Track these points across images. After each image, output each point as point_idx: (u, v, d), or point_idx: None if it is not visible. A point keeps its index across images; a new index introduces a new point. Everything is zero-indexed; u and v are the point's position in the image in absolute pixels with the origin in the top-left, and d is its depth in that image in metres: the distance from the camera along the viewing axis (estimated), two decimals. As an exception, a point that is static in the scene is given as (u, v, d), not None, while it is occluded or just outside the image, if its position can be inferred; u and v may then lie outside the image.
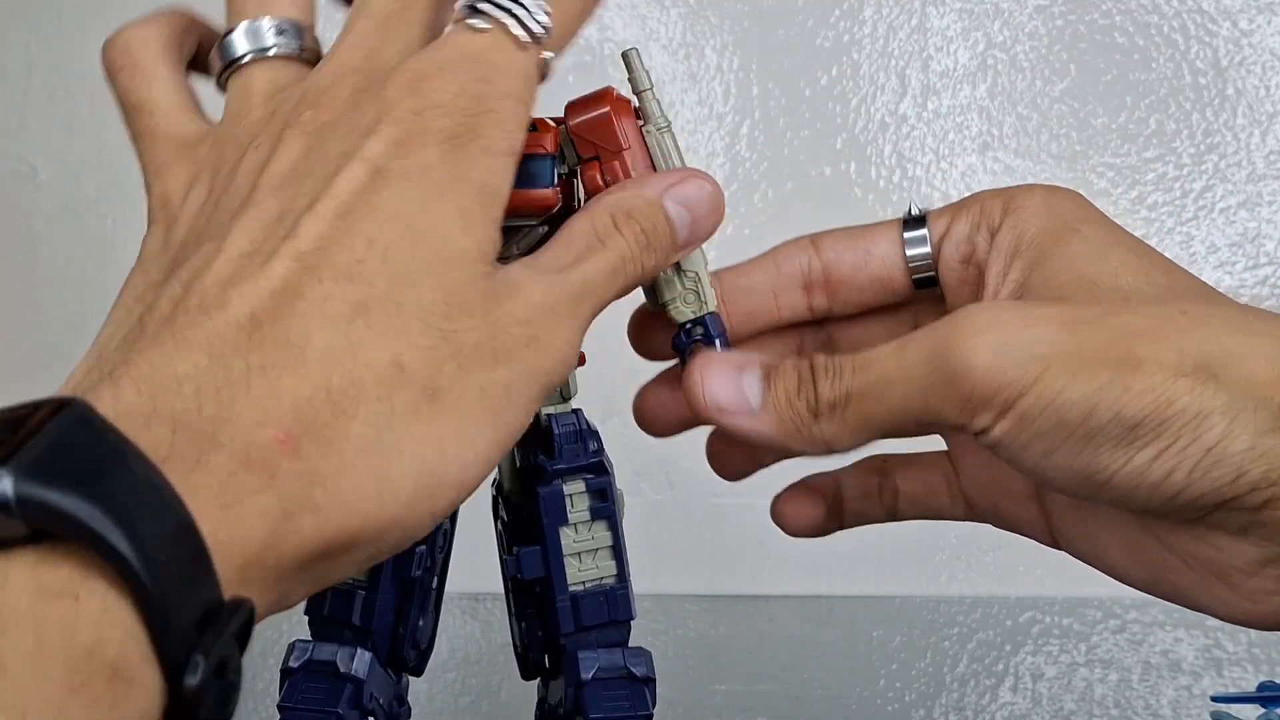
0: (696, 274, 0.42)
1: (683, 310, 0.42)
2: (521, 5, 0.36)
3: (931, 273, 0.44)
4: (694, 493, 0.77)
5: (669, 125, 0.41)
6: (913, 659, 0.64)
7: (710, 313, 0.42)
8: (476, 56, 0.36)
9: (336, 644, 0.41)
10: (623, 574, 0.43)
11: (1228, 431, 0.36)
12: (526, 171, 0.39)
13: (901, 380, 0.38)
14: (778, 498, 0.46)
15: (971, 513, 0.46)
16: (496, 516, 0.45)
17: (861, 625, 0.72)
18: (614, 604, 0.43)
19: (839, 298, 0.45)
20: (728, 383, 0.40)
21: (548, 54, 0.37)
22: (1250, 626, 0.39)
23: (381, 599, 0.41)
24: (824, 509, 0.46)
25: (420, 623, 0.43)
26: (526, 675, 0.45)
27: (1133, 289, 0.40)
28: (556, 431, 0.42)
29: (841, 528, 0.47)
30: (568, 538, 0.42)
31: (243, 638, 0.28)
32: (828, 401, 0.39)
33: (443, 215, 0.33)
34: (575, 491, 0.42)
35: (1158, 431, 0.36)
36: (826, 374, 0.39)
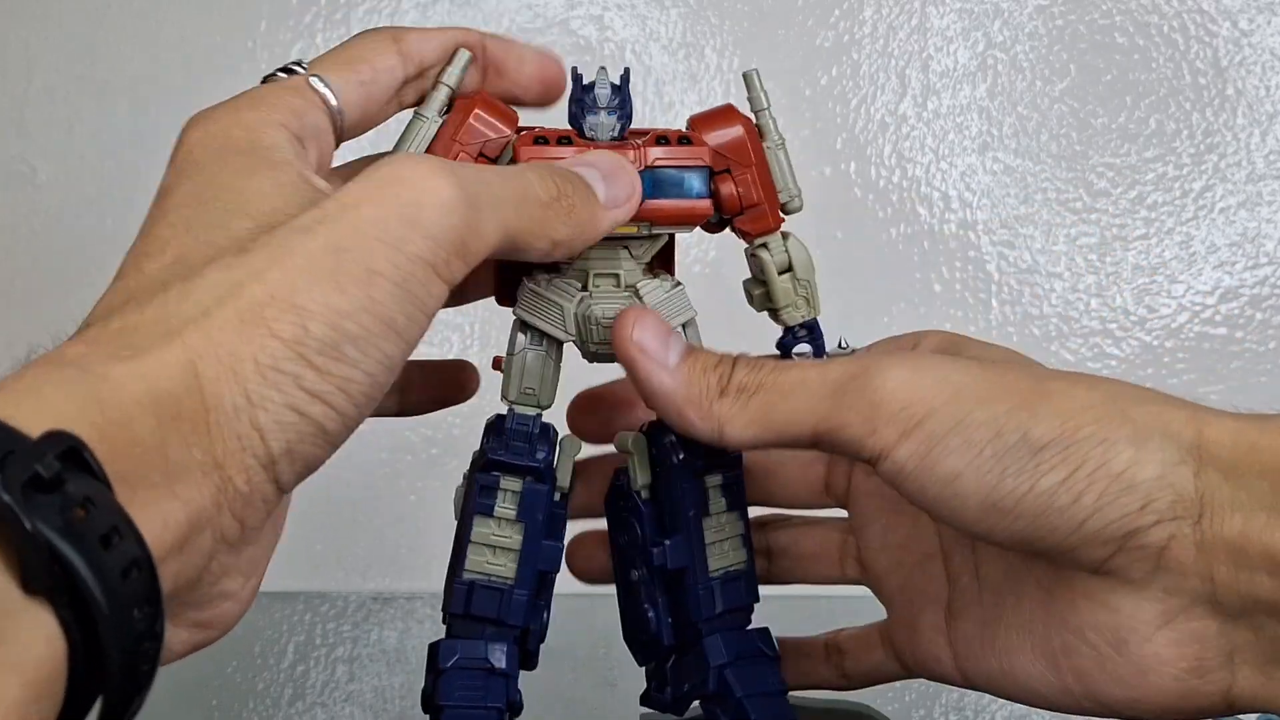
0: (809, 282, 0.45)
1: (794, 315, 0.45)
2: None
3: None
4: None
5: (783, 142, 0.45)
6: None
7: (815, 318, 0.45)
8: None
9: (481, 640, 0.43)
10: (751, 560, 0.45)
11: (1136, 459, 0.36)
12: (683, 182, 0.42)
13: (815, 384, 0.39)
14: (574, 540, 0.48)
15: (900, 664, 0.46)
16: (614, 513, 0.46)
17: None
18: (747, 588, 0.45)
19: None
20: (656, 336, 0.41)
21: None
22: (1142, 714, 0.38)
23: (523, 595, 0.43)
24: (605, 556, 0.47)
25: (545, 617, 0.45)
26: (645, 660, 0.47)
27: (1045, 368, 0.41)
28: None
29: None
30: (709, 528, 0.44)
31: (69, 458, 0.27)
32: (738, 384, 0.40)
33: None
34: (714, 485, 0.44)
35: (1065, 455, 0.36)
36: (747, 365, 0.40)
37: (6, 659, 0.25)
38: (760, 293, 0.45)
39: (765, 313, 0.46)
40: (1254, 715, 0.54)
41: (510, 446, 0.43)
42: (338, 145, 0.41)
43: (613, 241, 0.42)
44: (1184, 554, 0.36)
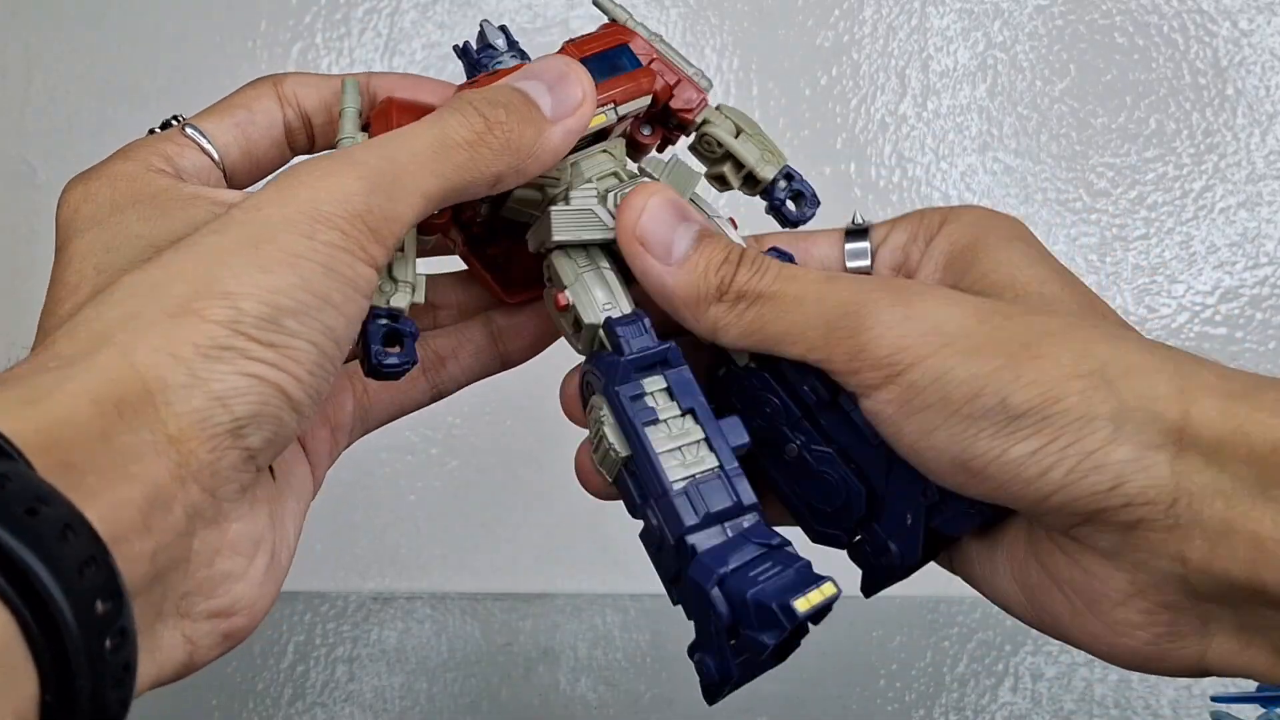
0: (762, 136, 0.45)
1: (767, 169, 0.44)
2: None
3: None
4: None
5: (660, 35, 0.44)
6: (913, 659, 0.64)
7: (787, 165, 0.45)
8: None
9: (739, 538, 0.38)
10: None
11: (1112, 438, 0.35)
12: (617, 58, 0.42)
13: (812, 305, 0.38)
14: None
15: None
16: (732, 405, 0.43)
17: (861, 625, 0.72)
18: None
19: None
20: (663, 224, 0.40)
21: None
22: (1115, 663, 0.38)
23: (738, 472, 0.39)
24: None
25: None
26: (839, 539, 0.43)
27: (1055, 298, 0.40)
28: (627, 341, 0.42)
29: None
30: None
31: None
32: (738, 289, 0.39)
33: None
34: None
35: (1039, 426, 0.35)
36: (752, 266, 0.39)
37: None
38: (728, 166, 0.45)
39: (742, 188, 0.45)
40: (1255, 710, 0.54)
41: (632, 344, 0.40)
42: (228, 182, 0.42)
43: (593, 143, 0.42)
44: (1154, 536, 0.35)
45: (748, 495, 0.39)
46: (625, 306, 0.41)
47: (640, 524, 0.41)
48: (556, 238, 0.42)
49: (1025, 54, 0.83)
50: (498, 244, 0.45)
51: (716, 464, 0.39)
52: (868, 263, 0.44)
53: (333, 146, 0.42)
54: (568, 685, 0.60)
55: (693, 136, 0.45)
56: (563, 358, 0.45)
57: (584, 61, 0.41)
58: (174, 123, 0.42)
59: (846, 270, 0.44)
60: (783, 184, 0.45)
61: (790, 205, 0.46)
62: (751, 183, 0.45)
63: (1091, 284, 0.83)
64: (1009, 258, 0.41)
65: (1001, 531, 0.41)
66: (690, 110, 0.44)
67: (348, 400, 0.43)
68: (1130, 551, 0.36)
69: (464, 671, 0.69)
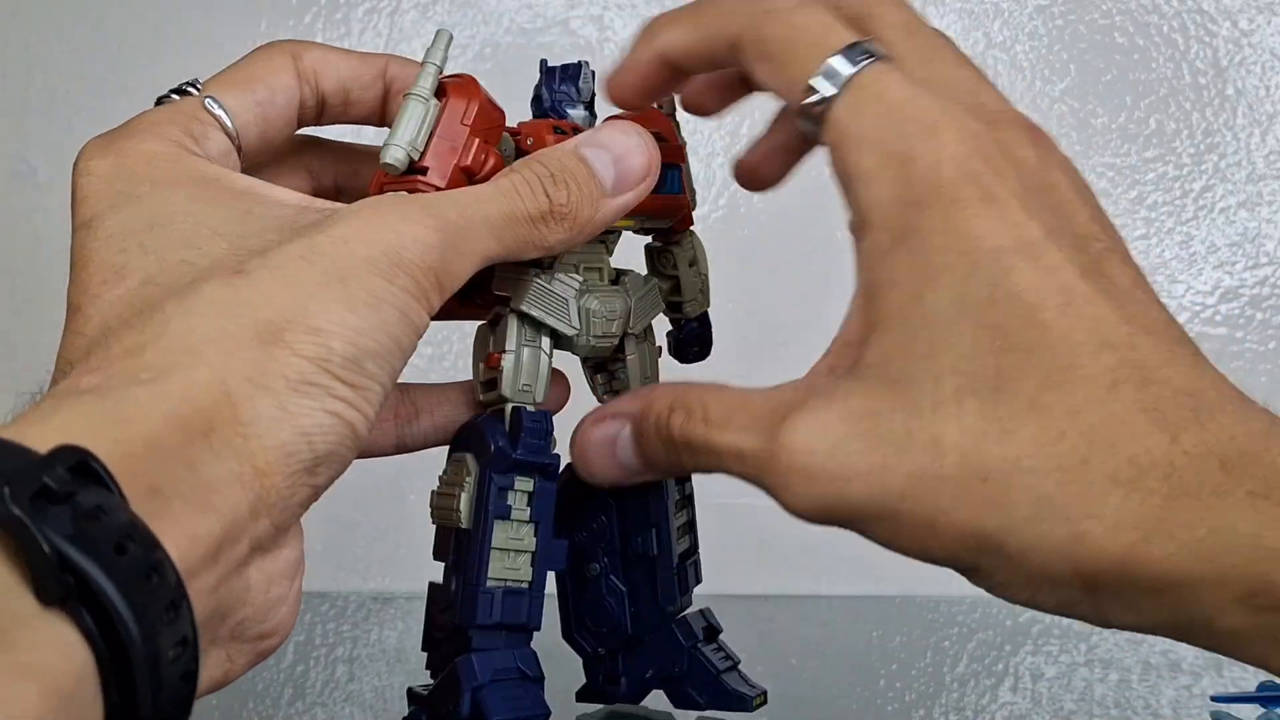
0: (705, 275, 0.46)
1: (695, 308, 0.47)
2: None
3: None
4: (694, 493, 0.77)
5: (685, 145, 0.46)
6: (913, 659, 0.64)
7: (706, 310, 0.47)
8: None
9: (507, 650, 0.42)
10: (696, 545, 0.48)
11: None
12: (667, 177, 0.43)
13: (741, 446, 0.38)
14: None
15: None
16: (572, 509, 0.46)
17: (861, 625, 0.72)
18: (697, 572, 0.48)
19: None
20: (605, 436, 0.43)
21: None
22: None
23: (538, 596, 0.43)
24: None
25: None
26: (593, 654, 0.47)
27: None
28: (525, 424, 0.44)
29: None
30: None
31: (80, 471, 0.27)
32: (680, 403, 0.39)
33: None
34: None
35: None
36: (680, 413, 0.40)
37: (22, 668, 0.24)
38: (668, 287, 0.46)
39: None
40: (1255, 710, 0.54)
41: (528, 445, 0.42)
42: (242, 161, 0.41)
43: (601, 235, 0.43)
44: None
45: (537, 619, 0.43)
46: (539, 398, 0.43)
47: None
48: (524, 308, 0.42)
49: (1025, 54, 0.83)
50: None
51: (529, 580, 0.42)
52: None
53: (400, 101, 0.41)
54: (568, 685, 0.60)
55: (651, 238, 0.47)
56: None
57: None
58: (192, 91, 0.41)
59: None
60: (694, 325, 0.47)
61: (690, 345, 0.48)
62: (675, 308, 0.47)
63: (1091, 284, 0.83)
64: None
65: None
66: (675, 231, 0.46)
67: None
68: None
69: (464, 671, 0.69)
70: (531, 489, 0.42)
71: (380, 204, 0.36)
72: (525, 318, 0.43)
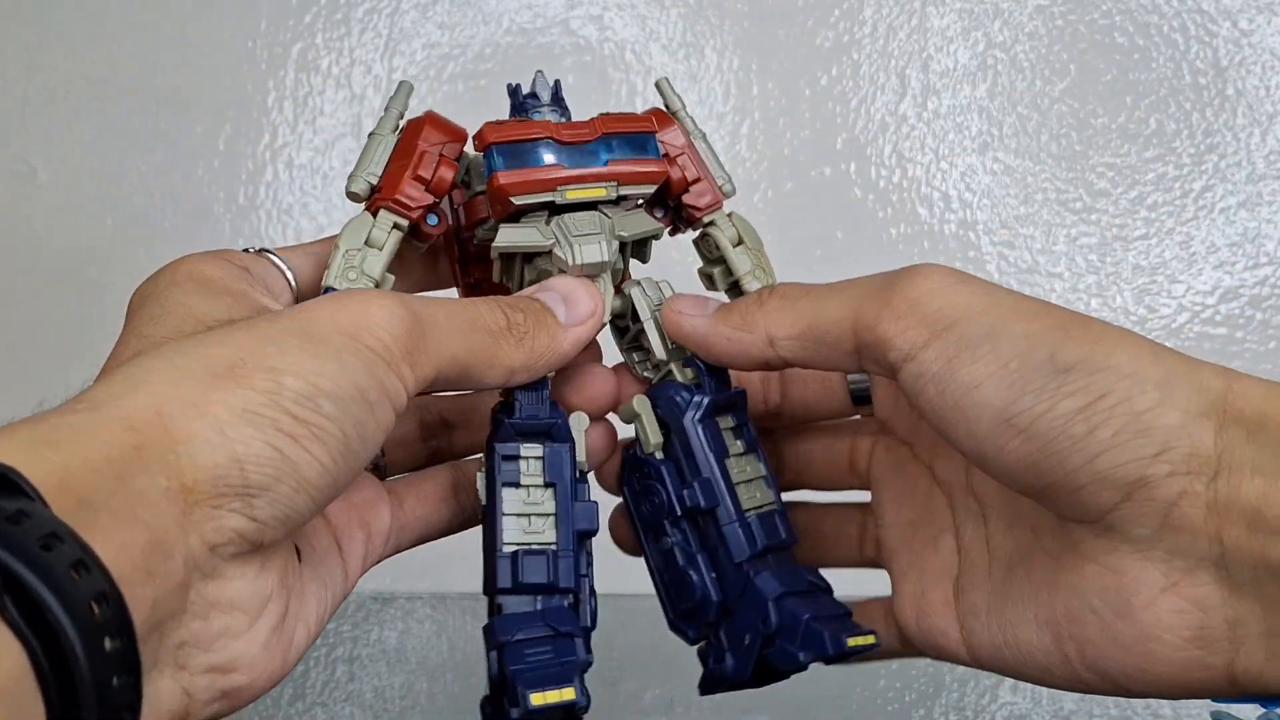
0: (760, 252, 0.47)
1: (752, 285, 0.46)
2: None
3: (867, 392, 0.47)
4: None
5: (704, 134, 0.47)
6: (913, 659, 0.64)
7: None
8: None
9: (536, 613, 0.42)
10: (780, 501, 0.45)
11: (1160, 401, 0.35)
12: (639, 144, 0.44)
13: (859, 285, 0.41)
14: None
15: (904, 641, 0.46)
16: (633, 489, 0.46)
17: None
18: (783, 527, 0.45)
19: (789, 393, 0.47)
20: (695, 304, 0.44)
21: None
22: (1145, 686, 0.38)
23: (569, 556, 0.43)
24: None
25: (594, 601, 0.45)
26: (696, 634, 0.46)
27: None
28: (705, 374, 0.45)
29: None
30: (733, 469, 0.45)
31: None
32: (780, 294, 0.42)
33: None
34: (726, 427, 0.45)
35: (1089, 382, 0.36)
36: (787, 284, 0.43)
37: None
38: (719, 270, 0.47)
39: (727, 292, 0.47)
40: (1255, 710, 0.54)
41: (523, 409, 0.43)
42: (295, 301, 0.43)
43: (588, 209, 0.44)
44: (1193, 512, 0.35)
45: (567, 579, 0.42)
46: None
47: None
48: (498, 243, 0.43)
49: (1025, 54, 0.83)
50: (484, 268, 0.46)
51: (553, 541, 0.42)
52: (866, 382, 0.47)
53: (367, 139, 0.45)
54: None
55: (697, 232, 0.47)
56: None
57: (608, 137, 0.44)
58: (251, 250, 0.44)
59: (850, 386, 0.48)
60: None
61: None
62: (737, 291, 0.47)
63: (1091, 284, 0.83)
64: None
65: (1016, 589, 0.41)
66: (698, 210, 0.46)
67: (385, 511, 0.44)
68: (1167, 535, 0.36)
69: (464, 671, 0.69)
70: (541, 453, 0.43)
71: (352, 292, 0.38)
72: (505, 260, 0.44)
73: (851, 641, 0.42)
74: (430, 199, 0.44)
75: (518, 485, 0.43)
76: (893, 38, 0.83)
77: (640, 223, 0.45)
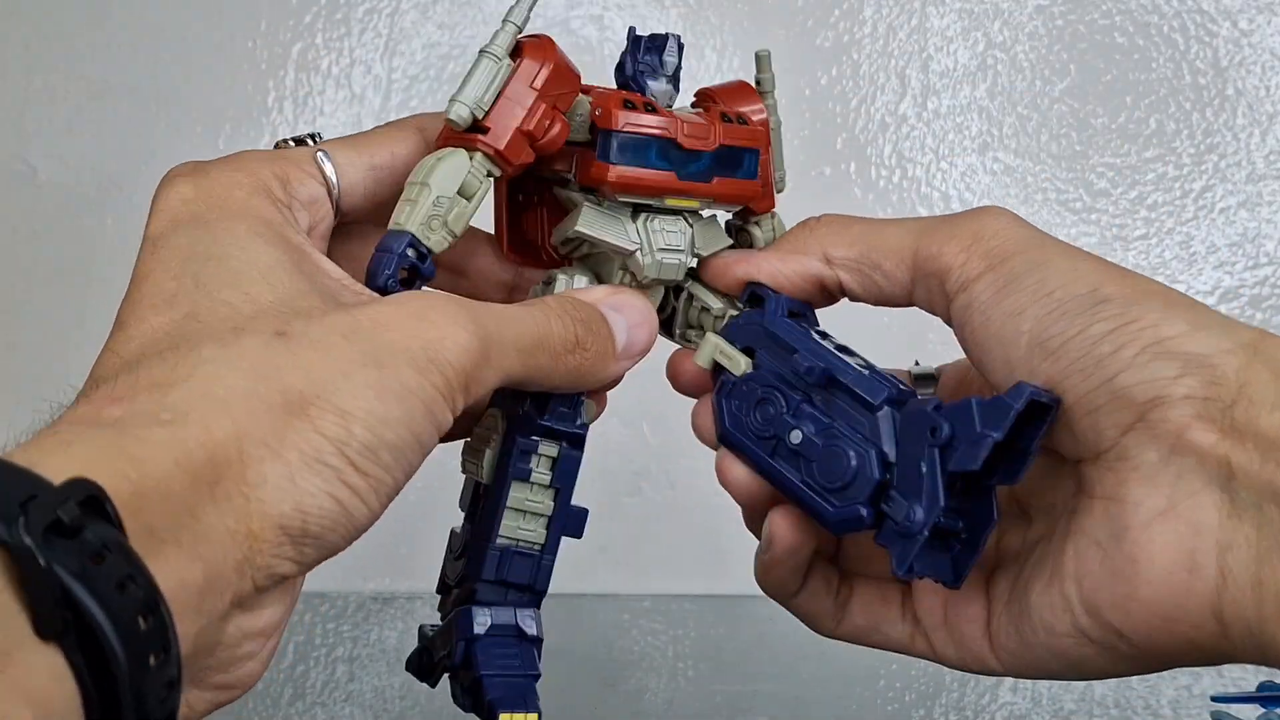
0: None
1: None
2: None
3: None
4: (694, 493, 0.77)
5: (780, 124, 0.46)
6: (913, 659, 0.64)
7: None
8: None
9: (509, 607, 0.43)
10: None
11: (1188, 332, 0.37)
12: (742, 162, 0.43)
13: (918, 219, 0.43)
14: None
15: (917, 631, 0.44)
16: (739, 416, 0.44)
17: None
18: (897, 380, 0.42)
19: None
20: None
21: None
22: (1134, 618, 0.37)
23: (550, 560, 0.43)
24: (810, 548, 0.43)
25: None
26: (852, 521, 0.41)
27: None
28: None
29: (791, 601, 0.45)
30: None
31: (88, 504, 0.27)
32: (835, 217, 0.44)
33: None
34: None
35: (1123, 310, 0.37)
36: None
37: (21, 691, 0.25)
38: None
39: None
40: (1255, 710, 0.54)
41: (556, 412, 0.42)
42: (338, 219, 0.42)
43: (674, 215, 0.43)
44: (1205, 438, 0.36)
45: (544, 583, 0.43)
46: None
47: None
48: (580, 228, 0.42)
49: (1025, 54, 0.83)
50: (534, 213, 0.45)
51: (541, 543, 0.43)
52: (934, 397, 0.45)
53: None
54: (568, 685, 0.60)
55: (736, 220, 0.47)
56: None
57: (720, 150, 0.42)
58: (310, 142, 0.42)
59: None
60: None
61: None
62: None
63: (1091, 284, 0.83)
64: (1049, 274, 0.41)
65: (1042, 565, 0.40)
66: (752, 215, 0.46)
67: None
68: (1176, 460, 0.36)
69: (464, 671, 0.69)
70: (556, 454, 0.43)
71: (427, 299, 0.37)
72: (582, 263, 0.43)
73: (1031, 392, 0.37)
74: (532, 157, 0.41)
75: (526, 480, 0.43)
76: (893, 38, 0.83)
77: (717, 239, 0.45)
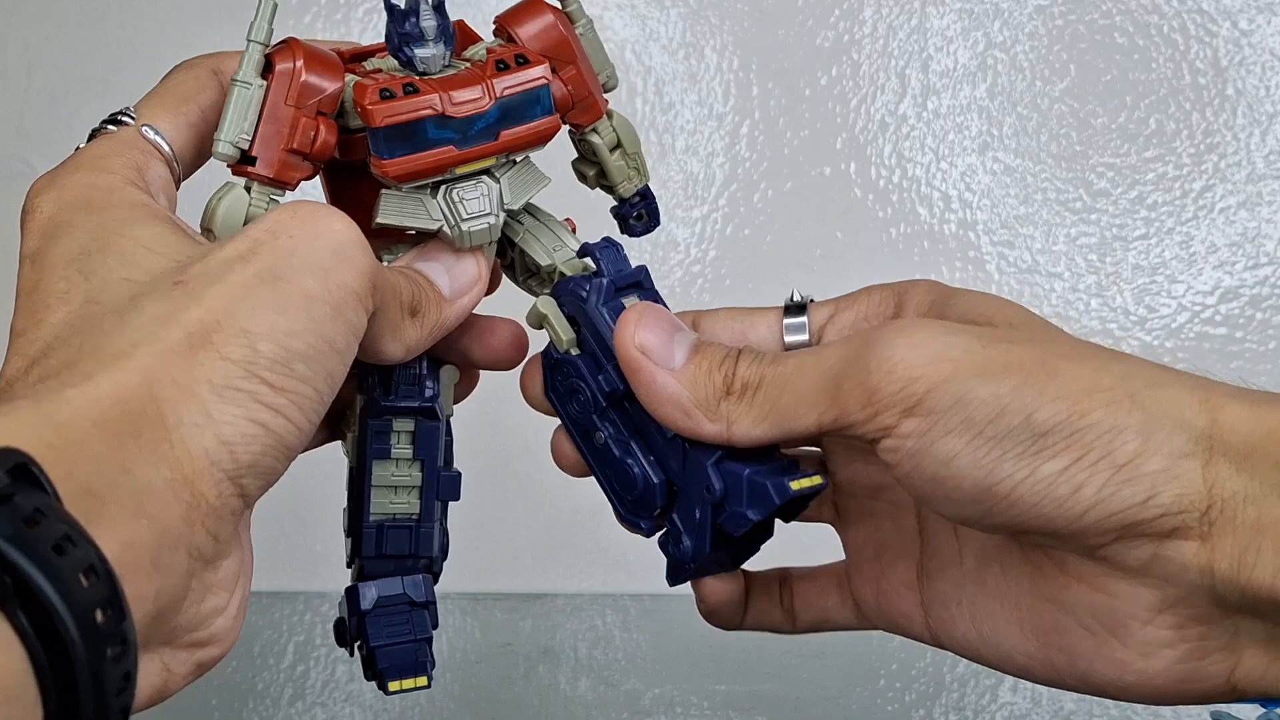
0: (637, 153, 0.45)
1: (629, 187, 0.46)
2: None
3: None
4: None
5: (591, 21, 0.44)
6: (913, 659, 0.64)
7: (647, 184, 0.46)
8: None
9: (395, 579, 0.44)
10: None
11: (1142, 449, 0.35)
12: (532, 104, 0.41)
13: (814, 370, 0.38)
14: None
15: (861, 615, 0.45)
16: (559, 392, 0.45)
17: (861, 625, 0.72)
18: None
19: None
20: (661, 334, 0.41)
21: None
22: (1142, 697, 0.37)
23: (429, 527, 0.44)
24: (741, 590, 0.45)
25: (446, 538, 0.46)
26: (650, 525, 0.44)
27: (1043, 322, 0.40)
28: (602, 263, 0.43)
29: (742, 627, 0.46)
30: None
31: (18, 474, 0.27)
32: (743, 380, 0.39)
33: None
34: (632, 303, 0.43)
35: (1069, 442, 0.35)
36: (750, 359, 0.40)
37: None
38: (594, 173, 0.46)
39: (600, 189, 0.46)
40: (1255, 710, 0.54)
41: (399, 390, 0.43)
42: (178, 187, 0.41)
43: (474, 176, 0.42)
44: (1186, 546, 0.35)
45: (426, 548, 0.44)
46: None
47: None
48: (379, 219, 0.41)
49: (1025, 54, 0.83)
50: (355, 192, 0.44)
51: (416, 514, 0.44)
52: (805, 337, 0.44)
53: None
54: (568, 685, 0.60)
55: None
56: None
57: (502, 103, 0.41)
58: (126, 120, 0.41)
59: (785, 345, 0.44)
60: (636, 199, 0.47)
61: (635, 217, 0.47)
62: (610, 190, 0.46)
63: (1091, 284, 0.83)
64: (980, 301, 0.41)
65: (992, 586, 0.40)
66: (581, 126, 0.45)
67: None
68: (1159, 564, 0.35)
69: (464, 671, 0.69)
70: (413, 428, 0.43)
71: (312, 204, 0.37)
72: (383, 236, 0.42)
73: (796, 485, 0.40)
74: (311, 168, 0.41)
75: (387, 458, 0.43)
76: (893, 38, 0.83)
77: (529, 186, 0.43)
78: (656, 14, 0.83)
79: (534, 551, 0.81)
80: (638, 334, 0.40)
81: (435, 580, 0.45)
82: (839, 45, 0.83)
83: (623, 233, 0.47)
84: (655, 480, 0.43)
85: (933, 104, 0.83)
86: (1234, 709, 0.55)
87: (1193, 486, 0.35)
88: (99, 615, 0.27)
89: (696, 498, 0.42)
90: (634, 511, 0.44)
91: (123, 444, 0.30)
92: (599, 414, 0.43)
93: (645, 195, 0.47)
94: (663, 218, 0.48)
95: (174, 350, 0.32)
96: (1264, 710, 0.53)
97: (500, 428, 0.78)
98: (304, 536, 0.77)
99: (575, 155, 0.46)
